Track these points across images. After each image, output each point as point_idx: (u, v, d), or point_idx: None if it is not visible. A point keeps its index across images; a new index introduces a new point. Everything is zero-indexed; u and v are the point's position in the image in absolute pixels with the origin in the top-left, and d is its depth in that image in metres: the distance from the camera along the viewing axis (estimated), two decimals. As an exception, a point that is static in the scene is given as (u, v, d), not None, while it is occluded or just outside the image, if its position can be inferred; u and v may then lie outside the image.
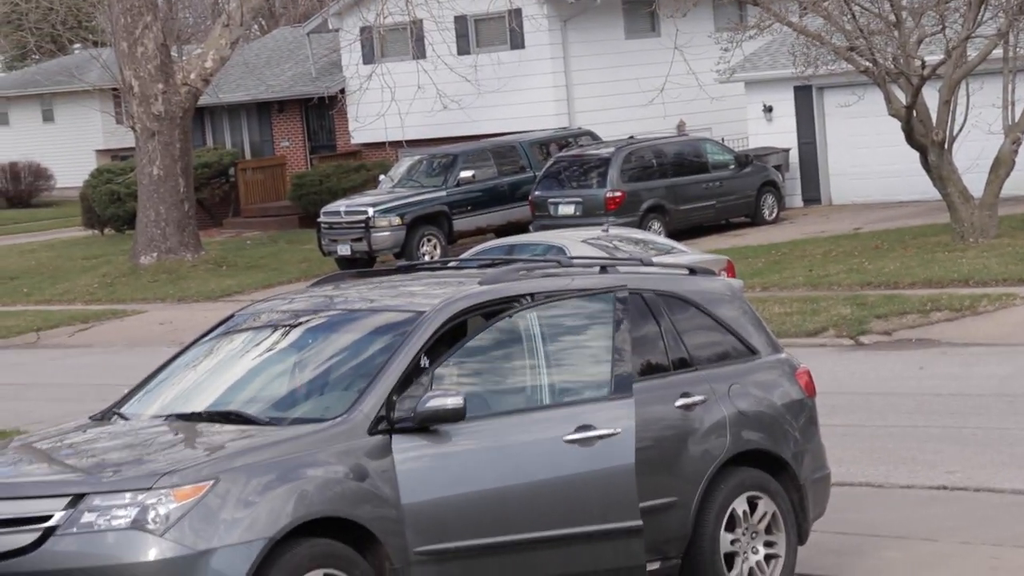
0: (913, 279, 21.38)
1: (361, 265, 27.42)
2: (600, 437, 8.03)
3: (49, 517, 7.38)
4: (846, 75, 25.11)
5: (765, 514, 8.84)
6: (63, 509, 7.37)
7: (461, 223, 28.51)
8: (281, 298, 9.44)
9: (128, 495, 7.35)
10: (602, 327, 8.34)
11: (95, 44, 43.11)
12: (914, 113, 23.24)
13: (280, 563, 7.36)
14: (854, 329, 18.88)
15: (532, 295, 8.51)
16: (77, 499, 7.39)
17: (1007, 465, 11.95)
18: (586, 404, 8.13)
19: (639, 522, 7.95)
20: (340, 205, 28.50)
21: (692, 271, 9.58)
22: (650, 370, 8.78)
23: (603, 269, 9.15)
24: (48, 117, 52.26)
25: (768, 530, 8.85)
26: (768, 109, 30.67)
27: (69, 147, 51.04)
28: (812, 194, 30.69)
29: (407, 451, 7.81)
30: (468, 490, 7.83)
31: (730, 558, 8.69)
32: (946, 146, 23.37)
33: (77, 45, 50.17)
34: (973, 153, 24.50)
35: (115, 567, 7.22)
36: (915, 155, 23.86)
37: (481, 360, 8.14)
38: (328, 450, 7.67)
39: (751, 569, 8.76)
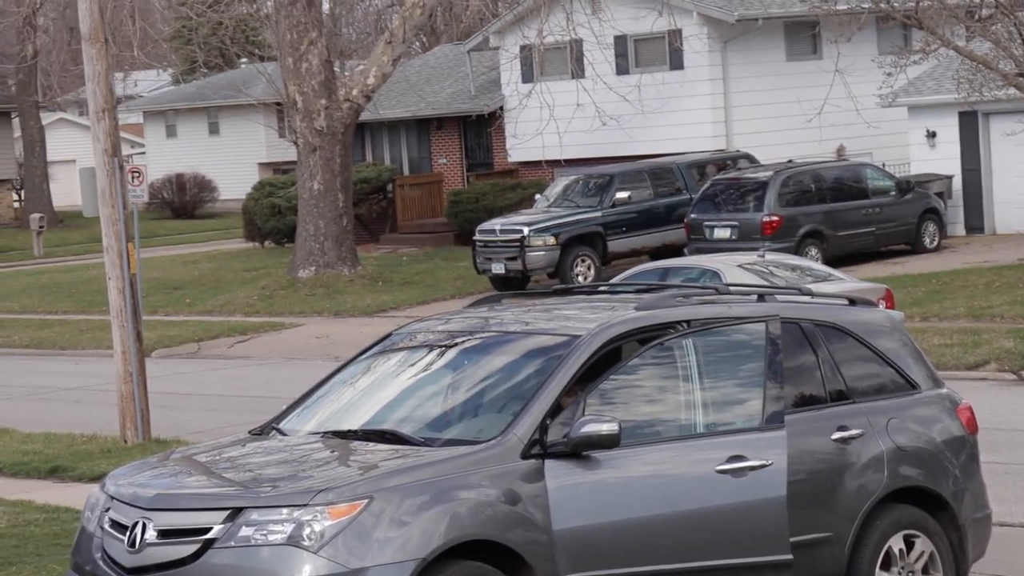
0: (1080, 312, 20.86)
1: (515, 284, 27.51)
2: (751, 468, 7.97)
3: (209, 529, 7.51)
4: (1013, 101, 24.60)
5: (923, 553, 8.68)
6: (222, 522, 7.50)
7: (616, 244, 28.46)
8: (438, 318, 9.52)
9: (285, 511, 7.45)
10: (756, 356, 8.28)
11: (261, 59, 43.97)
12: (1084, 141, 22.70)
13: (431, 585, 7.41)
14: (1017, 363, 18.45)
15: (688, 322, 8.46)
16: (236, 512, 7.51)
17: None
18: (738, 434, 8.09)
19: (789, 556, 7.87)
20: (496, 223, 28.63)
21: (852, 301, 9.47)
22: (806, 402, 8.68)
23: (761, 297, 9.07)
24: (214, 130, 53.37)
25: (925, 570, 8.70)
26: (931, 135, 30.17)
27: (233, 160, 52.07)
28: (975, 222, 30.11)
29: (560, 476, 7.81)
30: (619, 518, 7.82)
31: (885, 596, 8.56)
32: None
33: (244, 60, 51.18)
34: None
35: (271, 582, 7.31)
36: (1084, 184, 23.29)
37: (636, 386, 8.13)
38: (481, 472, 7.70)
39: (908, 610, 8.61)
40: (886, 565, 8.57)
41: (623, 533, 7.81)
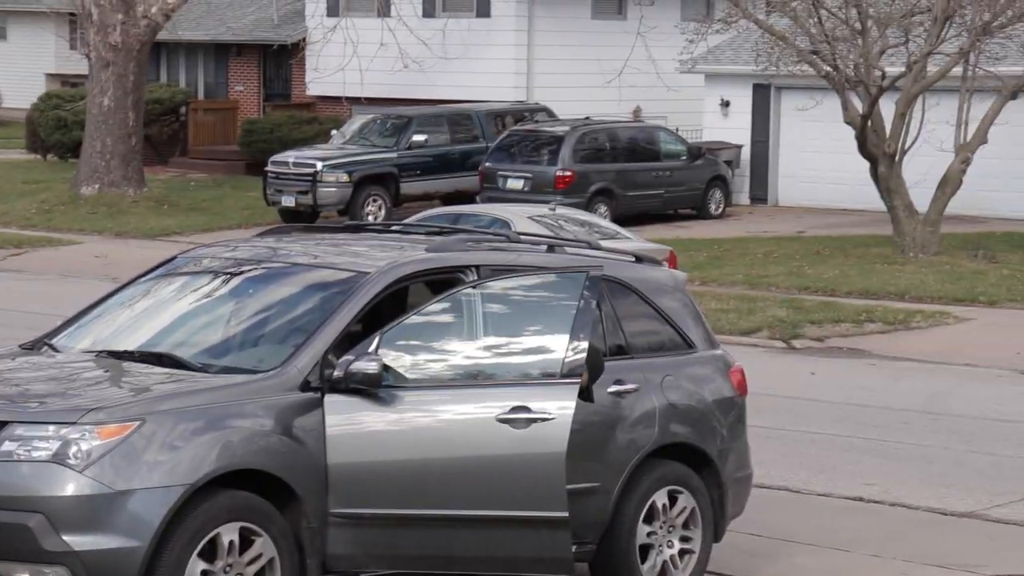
0: (850, 288, 21.55)
1: (305, 218, 27.32)
2: (533, 420, 7.78)
3: (-30, 441, 7.32)
4: (806, 78, 25.22)
5: (684, 509, 8.88)
6: (-16, 435, 7.31)
7: (409, 187, 28.43)
8: (224, 244, 9.39)
9: (52, 427, 7.30)
10: (555, 308, 8.09)
11: (57, -34, 42.61)
12: (869, 123, 23.39)
13: (198, 511, 7.33)
14: (788, 332, 19.02)
15: (478, 267, 8.48)
16: (0, 426, 7.33)
17: (924, 483, 12.09)
18: (525, 385, 7.90)
19: (565, 514, 7.75)
20: (289, 156, 28.36)
21: (638, 258, 9.60)
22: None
23: (551, 248, 9.14)
24: (1, 35, 51.59)
25: (686, 525, 8.89)
26: (725, 104, 30.77)
27: (19, 67, 50.42)
28: (760, 193, 30.85)
29: (338, 412, 7.79)
30: (393, 458, 7.80)
31: (645, 549, 8.71)
32: (897, 159, 23.55)
33: (38, -35, 49.52)
34: (922, 168, 24.71)
35: (31, 498, 7.17)
36: (865, 164, 24.03)
37: (422, 329, 8.07)
38: (258, 402, 7.64)
39: (664, 563, 8.79)
40: (649, 518, 8.72)
41: (396, 473, 7.80)
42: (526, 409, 7.81)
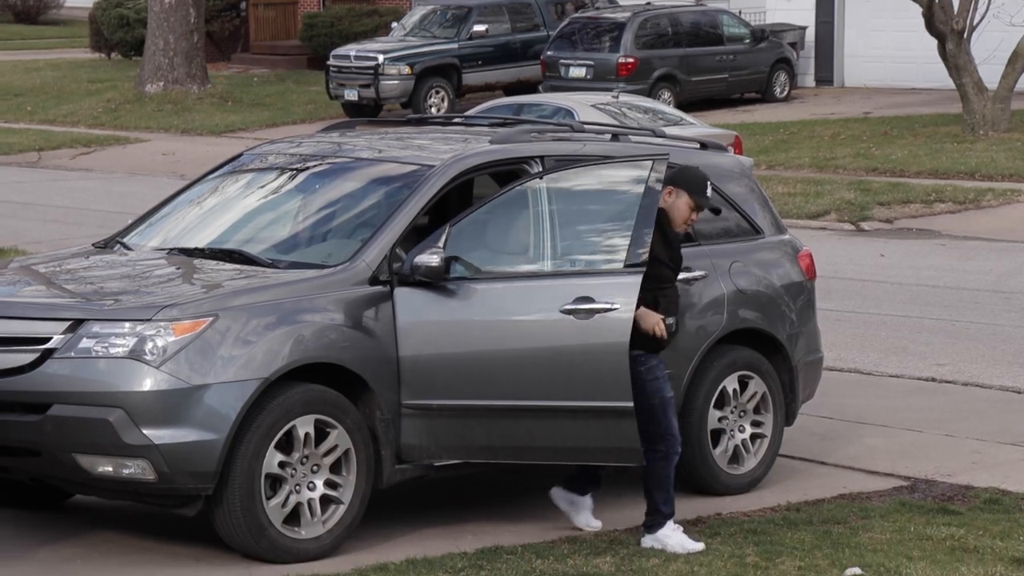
0: (919, 168, 21.34)
1: (368, 111, 27.30)
2: (597, 311, 7.78)
3: (48, 339, 7.44)
4: (871, -44, 24.79)
5: (755, 394, 8.90)
6: (62, 333, 7.43)
7: (471, 77, 28.31)
8: (289, 141, 9.42)
9: (127, 324, 7.41)
10: (624, 197, 8.00)
11: None
12: None
13: (272, 404, 7.45)
14: (856, 215, 18.90)
15: (543, 158, 8.46)
16: (77, 324, 7.45)
17: (996, 361, 12.04)
18: (592, 276, 7.87)
19: (631, 403, 7.74)
20: (350, 49, 28.28)
21: (703, 145, 9.55)
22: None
23: (615, 137, 9.10)
24: (61, -67, 51.56)
25: (757, 409, 8.92)
26: (789, -16, 30.33)
27: (80, -34, 50.43)
28: (825, 75, 30.48)
29: (407, 305, 7.85)
30: (461, 350, 7.85)
31: (716, 434, 8.77)
32: (965, 35, 23.17)
33: None
34: (991, 44, 24.29)
35: (110, 394, 7.31)
36: (932, 42, 23.66)
37: (488, 221, 8.08)
38: (328, 296, 7.71)
39: (736, 447, 8.84)
40: (720, 404, 8.76)
41: (464, 365, 7.85)
42: (590, 300, 7.82)
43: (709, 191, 8.00)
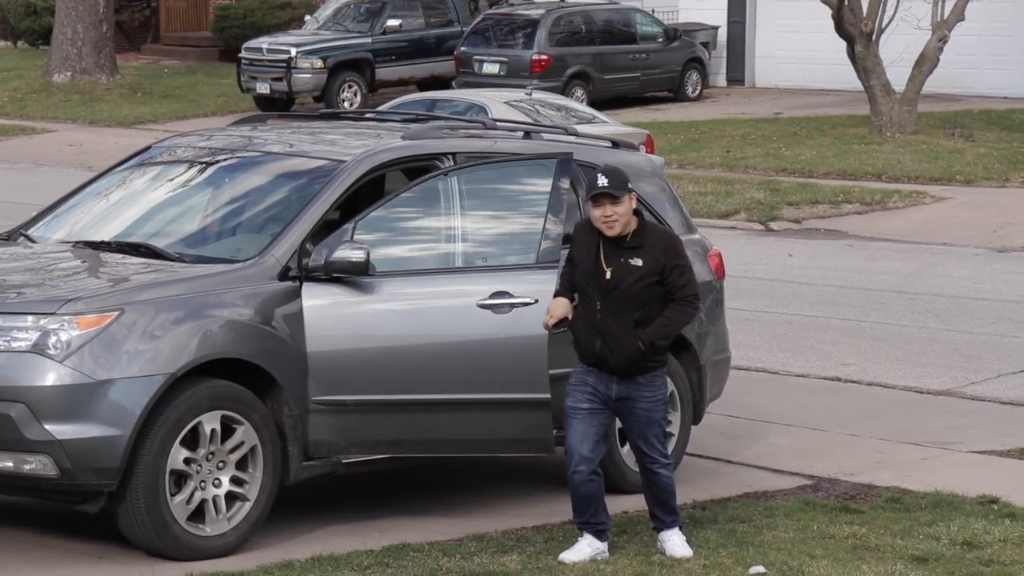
0: (828, 169, 21.56)
1: (280, 105, 27.14)
2: (515, 305, 7.91)
3: (-54, 334, 7.33)
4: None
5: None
6: (-36, 327, 7.32)
7: (384, 72, 28.23)
8: (199, 134, 9.35)
9: (31, 318, 7.33)
10: (534, 194, 8.16)
11: None
12: (845, 1, 23.25)
13: (179, 400, 7.39)
14: (765, 215, 19.06)
15: (454, 154, 8.45)
16: (-23, 318, 7.34)
17: (900, 361, 12.19)
18: (507, 271, 8.01)
19: (547, 395, 7.85)
20: (263, 42, 28.09)
21: (615, 144, 9.58)
22: (566, 240, 8.78)
23: (527, 135, 9.12)
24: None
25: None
26: (701, -16, 30.51)
27: (-13, -46, 49.65)
28: (736, 74, 30.69)
29: (316, 300, 7.81)
30: (372, 345, 7.85)
31: (623, 435, 8.76)
32: (874, 37, 23.43)
33: None
34: (899, 47, 24.59)
35: (11, 388, 7.22)
36: (842, 44, 23.90)
37: (403, 217, 8.09)
38: (236, 291, 7.67)
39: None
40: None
41: (376, 360, 7.85)
42: (507, 295, 7.87)
43: (600, 181, 7.52)
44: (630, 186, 7.44)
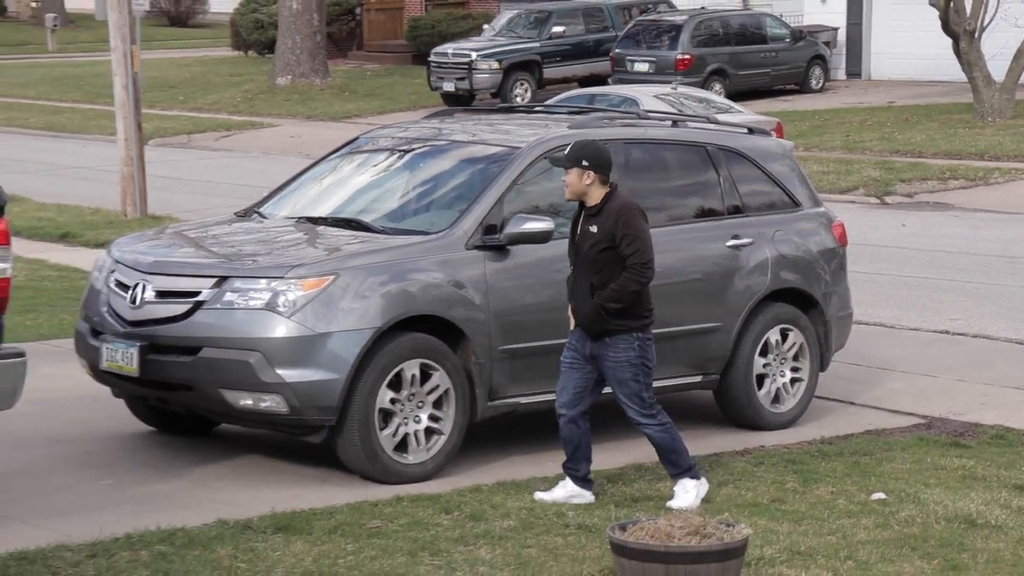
0: (936, 150, 20.99)
1: (463, 100, 27.27)
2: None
3: (198, 293, 7.51)
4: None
5: (794, 344, 8.81)
6: (210, 288, 7.50)
7: (550, 71, 28.21)
8: (397, 126, 9.43)
9: (263, 281, 7.46)
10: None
11: None
12: (951, 3, 22.57)
13: (385, 350, 7.47)
14: (881, 190, 18.62)
15: (613, 141, 8.39)
16: (222, 280, 7.51)
17: (1002, 317, 11.83)
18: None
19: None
20: (448, 48, 28.26)
21: (750, 130, 9.45)
22: (707, 214, 8.72)
23: (674, 123, 9.03)
24: (202, -52, 51.73)
25: (795, 357, 8.83)
26: (823, -9, 29.86)
27: (222, -23, 50.58)
28: (855, 69, 30.02)
29: (496, 265, 7.83)
30: (538, 300, 7.87)
31: (761, 379, 8.70)
32: (976, 35, 22.73)
33: None
34: (999, 43, 23.79)
35: (249, 339, 7.37)
36: (947, 41, 23.22)
37: (561, 190, 8.04)
38: (431, 259, 7.71)
39: (778, 389, 8.77)
40: (764, 352, 8.70)
41: (541, 312, 7.85)
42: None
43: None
44: (585, 163, 6.94)
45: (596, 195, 7.03)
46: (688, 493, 7.10)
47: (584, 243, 7.03)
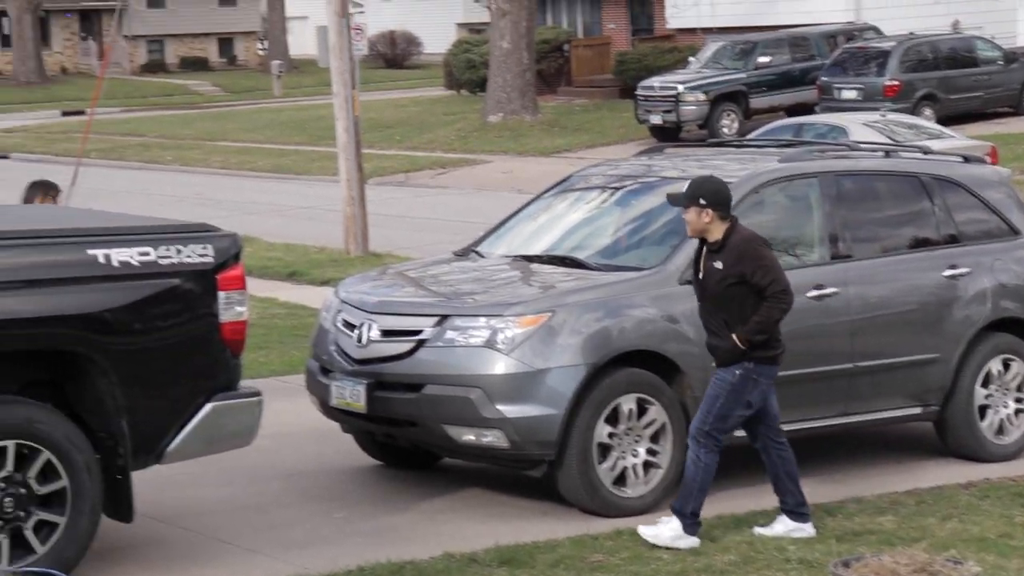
0: None
1: (670, 133, 27.19)
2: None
3: (421, 331, 7.64)
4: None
5: (1018, 374, 8.49)
6: (432, 326, 7.63)
7: (756, 101, 27.91)
8: (608, 164, 9.46)
9: (483, 319, 7.55)
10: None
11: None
12: None
13: (601, 385, 7.47)
14: (1103, 212, 17.72)
15: (824, 173, 8.27)
16: (443, 319, 7.63)
17: None
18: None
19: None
20: (655, 81, 28.22)
21: (966, 159, 9.17)
22: (923, 244, 8.49)
23: (887, 154, 8.83)
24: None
25: (1019, 388, 8.50)
26: (1037, 11, 28.75)
27: (435, 20, 51.71)
28: (1071, 88, 28.74)
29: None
30: None
31: (983, 409, 8.41)
32: None
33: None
34: None
35: (471, 376, 7.46)
36: None
37: (773, 224, 8.01)
38: (644, 294, 7.70)
39: (1002, 420, 8.45)
40: (986, 382, 8.41)
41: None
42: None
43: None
44: (702, 201, 6.86)
45: (717, 231, 6.96)
46: (672, 531, 6.88)
47: (709, 280, 6.98)
